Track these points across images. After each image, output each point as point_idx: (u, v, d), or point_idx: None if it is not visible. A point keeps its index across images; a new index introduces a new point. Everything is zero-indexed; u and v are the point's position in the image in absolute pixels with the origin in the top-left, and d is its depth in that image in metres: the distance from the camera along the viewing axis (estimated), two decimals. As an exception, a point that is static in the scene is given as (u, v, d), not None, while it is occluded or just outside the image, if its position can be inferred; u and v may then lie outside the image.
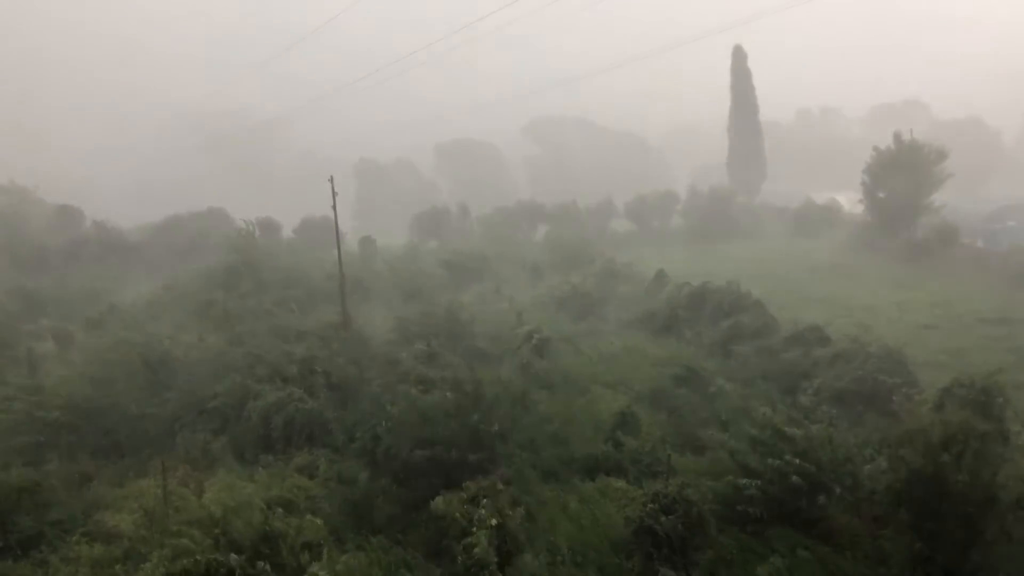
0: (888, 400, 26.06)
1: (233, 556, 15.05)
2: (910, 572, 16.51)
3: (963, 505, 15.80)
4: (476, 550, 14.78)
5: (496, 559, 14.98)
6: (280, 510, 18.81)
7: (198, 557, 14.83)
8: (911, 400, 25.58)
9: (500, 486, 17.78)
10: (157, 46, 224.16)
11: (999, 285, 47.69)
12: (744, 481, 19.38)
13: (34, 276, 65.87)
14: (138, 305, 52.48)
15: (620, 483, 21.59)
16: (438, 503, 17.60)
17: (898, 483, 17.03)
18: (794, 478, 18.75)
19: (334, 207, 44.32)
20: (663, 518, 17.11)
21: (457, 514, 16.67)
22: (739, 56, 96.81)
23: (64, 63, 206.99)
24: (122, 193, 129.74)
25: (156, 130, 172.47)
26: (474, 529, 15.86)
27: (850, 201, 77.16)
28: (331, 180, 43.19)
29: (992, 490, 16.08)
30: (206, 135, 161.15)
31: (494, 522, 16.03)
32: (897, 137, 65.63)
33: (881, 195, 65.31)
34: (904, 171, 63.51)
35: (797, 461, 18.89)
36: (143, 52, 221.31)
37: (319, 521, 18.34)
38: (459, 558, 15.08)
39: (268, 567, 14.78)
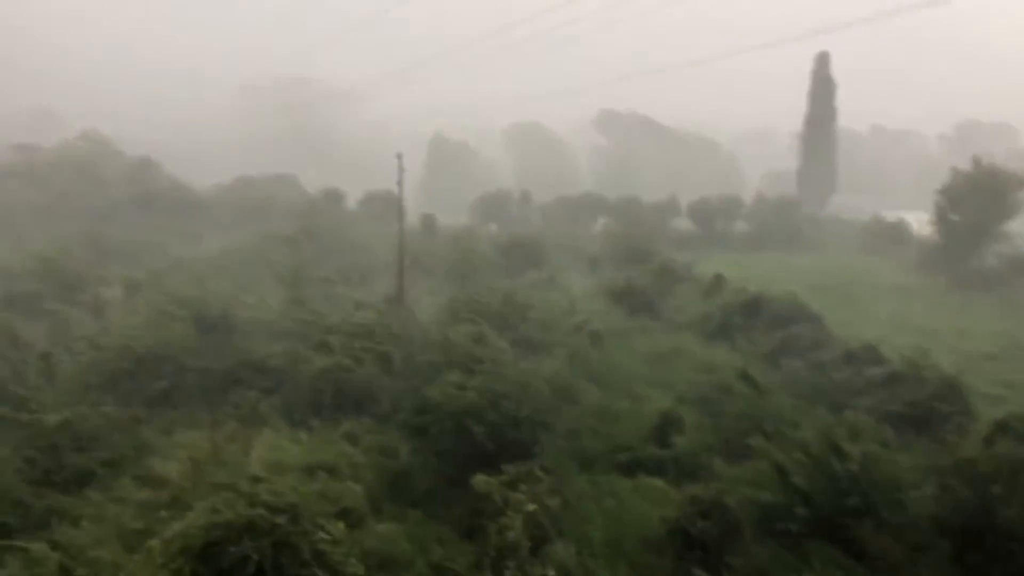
0: (940, 428, 25.52)
1: (273, 515, 15.44)
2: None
3: (1008, 540, 15.49)
4: (510, 533, 14.98)
5: (528, 544, 15.16)
6: (323, 474, 19.26)
7: (240, 511, 15.26)
8: (964, 430, 25.05)
9: (539, 473, 17.94)
10: (239, 10, 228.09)
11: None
12: (790, 496, 19.25)
13: (107, 225, 67.90)
14: (203, 261, 53.78)
15: (658, 482, 21.58)
16: (478, 481, 17.83)
17: (943, 512, 16.75)
18: (847, 498, 18.54)
19: (399, 182, 44.85)
20: (699, 521, 17.11)
21: (495, 496, 16.88)
22: (822, 63, 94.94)
23: (148, 26, 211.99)
24: (195, 153, 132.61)
25: (232, 94, 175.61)
26: (510, 512, 16.05)
27: (920, 221, 75.34)
28: (399, 156, 43.70)
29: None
30: (280, 102, 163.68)
31: (530, 507, 16.19)
32: (977, 160, 63.82)
33: (954, 218, 63.65)
34: (981, 195, 61.79)
35: (852, 478, 18.68)
36: (224, 16, 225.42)
37: (359, 489, 18.73)
38: (492, 539, 15.29)
39: (307, 528, 15.15)
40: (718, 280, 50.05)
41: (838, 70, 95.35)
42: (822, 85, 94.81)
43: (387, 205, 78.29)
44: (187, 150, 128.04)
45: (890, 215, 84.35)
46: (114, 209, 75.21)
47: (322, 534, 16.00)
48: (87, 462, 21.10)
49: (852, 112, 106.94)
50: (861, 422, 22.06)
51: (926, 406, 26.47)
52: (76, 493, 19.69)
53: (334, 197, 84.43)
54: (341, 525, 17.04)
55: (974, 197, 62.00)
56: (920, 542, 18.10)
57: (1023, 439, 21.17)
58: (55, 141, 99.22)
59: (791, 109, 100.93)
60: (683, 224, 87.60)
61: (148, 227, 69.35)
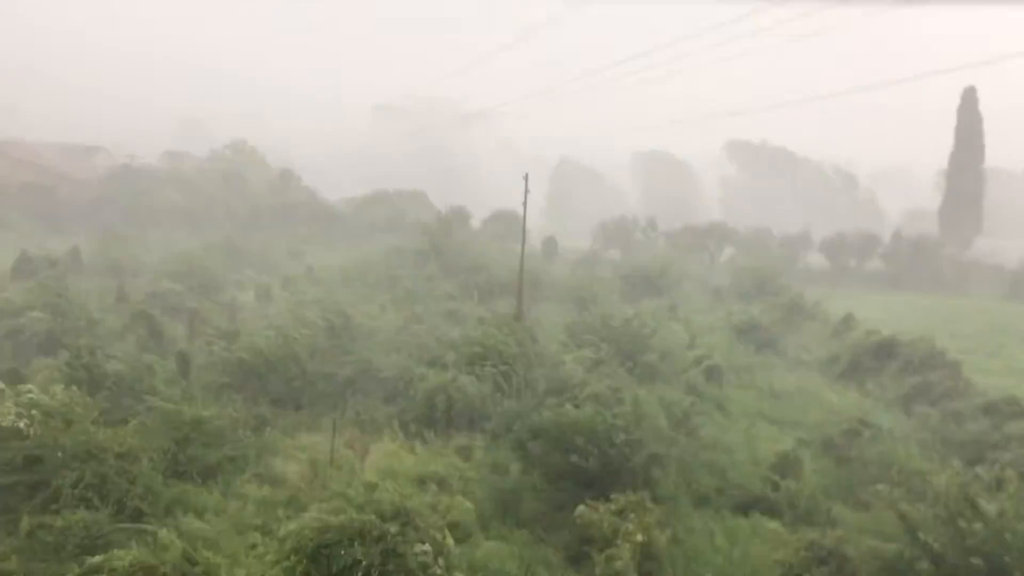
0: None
1: (384, 522, 15.72)
2: None
3: None
4: (618, 563, 14.75)
5: (636, 576, 14.93)
6: (434, 486, 19.49)
7: (354, 516, 15.60)
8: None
9: (649, 504, 17.60)
10: (378, 40, 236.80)
11: None
12: (914, 550, 18.16)
13: (247, 232, 71.41)
14: (332, 270, 55.74)
15: (774, 524, 20.81)
16: (582, 511, 17.63)
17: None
18: (975, 559, 17.34)
19: (525, 204, 45.26)
20: (815, 568, 16.37)
21: (603, 524, 16.66)
22: (970, 98, 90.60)
23: (295, 53, 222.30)
24: (332, 167, 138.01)
25: (369, 114, 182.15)
26: (618, 542, 15.80)
27: (1076, 268, 70.43)
28: (525, 177, 44.15)
29: None
30: (413, 122, 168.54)
31: (640, 538, 15.90)
32: None
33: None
34: None
35: (984, 537, 17.47)
36: (365, 41, 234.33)
37: (468, 504, 18.86)
38: (598, 568, 15.08)
39: (416, 538, 15.34)
40: (848, 319, 48.14)
41: (987, 106, 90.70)
42: (969, 121, 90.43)
43: (510, 225, 79.17)
44: (325, 165, 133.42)
45: (1042, 260, 79.21)
46: (255, 217, 79.04)
47: (430, 546, 16.18)
48: (214, 457, 21.98)
49: (1001, 150, 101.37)
50: (1000, 476, 20.61)
51: (1074, 467, 24.53)
52: (201, 486, 20.57)
53: (460, 215, 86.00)
54: (450, 538, 17.19)
55: None
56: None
57: None
58: (204, 150, 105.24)
59: (936, 146, 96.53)
60: (815, 259, 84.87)
61: (285, 235, 72.54)
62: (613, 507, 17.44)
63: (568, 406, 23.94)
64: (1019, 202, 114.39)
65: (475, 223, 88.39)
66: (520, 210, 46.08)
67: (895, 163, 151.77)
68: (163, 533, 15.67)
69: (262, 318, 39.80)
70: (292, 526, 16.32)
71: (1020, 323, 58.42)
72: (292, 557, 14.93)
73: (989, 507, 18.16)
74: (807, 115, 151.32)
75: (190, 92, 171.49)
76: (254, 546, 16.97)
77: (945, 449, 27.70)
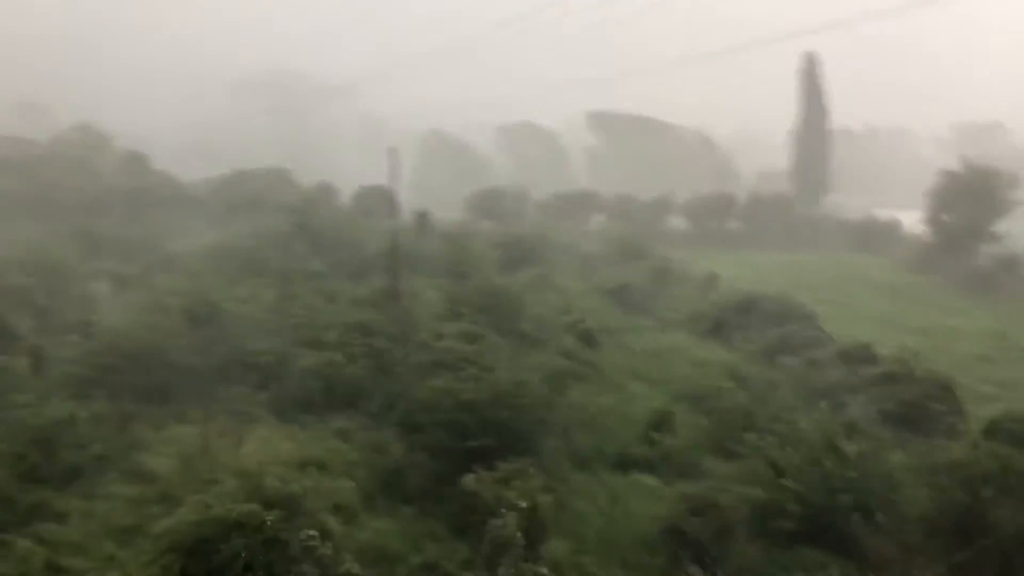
0: (933, 427, 25.53)
1: (263, 511, 15.32)
2: (937, 603, 16.24)
3: (998, 541, 15.46)
4: (504, 531, 14.89)
5: (523, 542, 15.08)
6: (315, 470, 19.13)
7: (231, 507, 15.13)
8: (956, 430, 25.08)
9: (532, 471, 17.84)
10: (227, 7, 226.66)
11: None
12: (783, 494, 19.24)
13: (97, 219, 67.51)
14: (194, 256, 53.49)
15: (652, 480, 21.54)
16: (469, 481, 17.72)
17: (935, 512, 16.71)
18: (842, 497, 18.54)
19: (394, 178, 44.73)
20: (692, 520, 17.03)
21: (488, 494, 16.79)
22: (811, 63, 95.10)
23: (136, 20, 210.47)
24: (186, 148, 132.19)
25: (223, 90, 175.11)
26: (503, 510, 15.96)
27: (913, 221, 75.55)
28: (392, 151, 43.57)
29: (1032, 529, 15.72)
30: (274, 97, 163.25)
31: (524, 505, 16.09)
32: (968, 161, 64.14)
33: (946, 218, 63.88)
34: (972, 196, 62.00)
35: (847, 478, 18.68)
36: (213, 12, 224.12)
37: (351, 485, 18.63)
38: (486, 537, 15.20)
39: (299, 525, 15.04)
40: (712, 278, 50.13)
41: (833, 70, 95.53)
42: (811, 85, 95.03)
43: (380, 201, 78.00)
44: (180, 146, 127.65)
45: (883, 214, 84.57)
46: (106, 203, 74.77)
47: (313, 531, 15.89)
48: (76, 457, 20.86)
49: (846, 112, 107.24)
50: (857, 421, 22.03)
51: (919, 405, 26.49)
52: (64, 489, 19.49)
53: (327, 192, 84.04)
54: (334, 521, 16.94)
55: (965, 198, 62.26)
56: (911, 542, 18.07)
57: (1015, 440, 21.23)
58: (46, 135, 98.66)
59: (788, 108, 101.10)
60: (677, 222, 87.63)
61: (140, 222, 68.95)
62: (497, 476, 17.58)
63: (448, 378, 23.96)
64: (862, 160, 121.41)
65: (343, 200, 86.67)
66: (390, 184, 45.47)
67: (752, 126, 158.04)
68: (22, 543, 14.75)
69: (121, 309, 37.85)
70: (166, 523, 15.70)
71: (867, 274, 62.42)
72: (168, 555, 14.37)
73: (850, 448, 19.40)
74: (670, 81, 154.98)
75: (26, 74, 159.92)
76: (126, 547, 16.24)
77: (807, 396, 29.34)
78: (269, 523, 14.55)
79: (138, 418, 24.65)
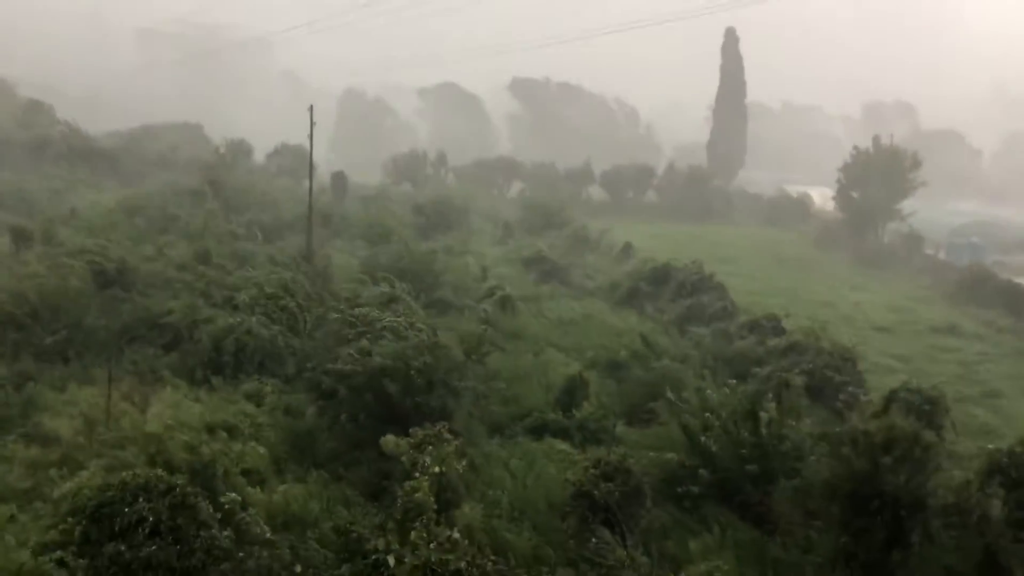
0: (834, 397, 26.54)
1: (171, 475, 14.97)
2: (833, 564, 16.97)
3: (893, 507, 16.22)
4: (417, 495, 14.90)
5: (435, 506, 15.13)
6: (224, 434, 18.77)
7: (136, 471, 14.73)
8: (857, 399, 26.11)
9: (446, 435, 17.86)
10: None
11: (955, 297, 48.63)
12: (693, 459, 19.81)
13: (-5, 169, 64.16)
14: (101, 211, 51.40)
15: (565, 446, 21.83)
16: (387, 441, 17.63)
17: (835, 479, 17.41)
18: (749, 463, 19.19)
19: (311, 137, 43.69)
20: (602, 484, 17.34)
21: (403, 457, 16.76)
22: (731, 38, 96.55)
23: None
24: (95, 99, 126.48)
25: (135, 39, 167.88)
26: (417, 474, 15.96)
27: (823, 197, 77.94)
28: (310, 109, 42.52)
29: (922, 495, 16.52)
30: (186, 49, 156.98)
31: (437, 469, 16.12)
32: (876, 140, 66.30)
33: (854, 195, 66.03)
34: (879, 174, 64.21)
35: (756, 444, 19.34)
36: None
37: (262, 449, 18.36)
38: (399, 501, 15.21)
39: (206, 489, 14.75)
40: (627, 248, 50.84)
41: (752, 47, 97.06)
42: (731, 60, 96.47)
43: (297, 159, 76.35)
44: (85, 96, 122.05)
45: (795, 190, 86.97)
46: (4, 154, 71.06)
47: (229, 495, 15.62)
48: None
49: (762, 89, 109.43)
50: (764, 390, 22.74)
51: (822, 376, 27.45)
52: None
53: (242, 150, 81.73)
54: (243, 485, 16.68)
55: (873, 176, 64.39)
56: (812, 507, 18.83)
57: (911, 409, 22.26)
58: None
59: (709, 82, 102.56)
60: (597, 192, 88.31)
61: (41, 175, 65.74)
62: (411, 440, 17.55)
63: (364, 342, 23.74)
64: (776, 137, 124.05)
65: (258, 158, 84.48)
66: (306, 144, 44.48)
67: (673, 98, 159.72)
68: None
69: (21, 265, 36.15)
70: (68, 486, 15.22)
71: (776, 247, 64.25)
72: (69, 519, 13.91)
73: (762, 416, 20.07)
74: (590, 52, 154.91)
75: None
76: (24, 511, 15.69)
77: (717, 365, 30.14)
78: (177, 488, 14.22)
79: (38, 379, 23.70)
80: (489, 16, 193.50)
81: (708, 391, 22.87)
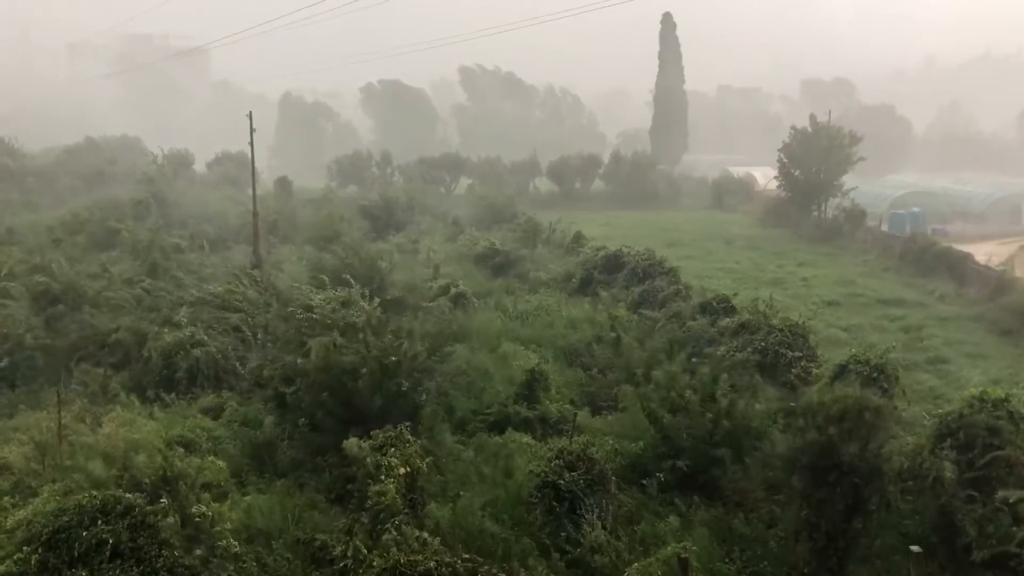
0: (787, 371, 26.97)
1: (129, 495, 14.69)
2: (796, 535, 17.28)
3: (851, 476, 16.54)
4: (382, 497, 14.83)
5: (404, 507, 15.08)
6: (181, 450, 18.43)
7: (93, 493, 14.41)
8: (809, 373, 26.57)
9: (409, 436, 17.78)
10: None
11: (899, 267, 49.81)
12: (655, 445, 20.05)
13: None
14: (39, 231, 50.13)
15: (528, 439, 21.88)
16: (350, 445, 17.47)
17: (792, 453, 17.71)
18: (711, 445, 19.54)
19: (251, 144, 43.18)
20: (567, 474, 17.43)
21: (367, 460, 16.64)
22: (668, 24, 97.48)
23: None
24: (25, 116, 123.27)
25: (64, 54, 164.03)
26: (382, 477, 15.88)
27: (766, 176, 79.16)
28: (249, 115, 42.00)
29: (877, 463, 16.88)
30: (118, 62, 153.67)
31: (403, 471, 16.06)
32: (813, 118, 67.51)
33: (796, 173, 67.14)
34: (819, 152, 65.40)
35: (722, 427, 19.68)
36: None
37: (221, 463, 18.07)
38: (368, 503, 15.12)
39: (166, 506, 14.50)
40: (578, 238, 51.09)
41: (691, 29, 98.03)
42: (669, 45, 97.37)
43: (238, 167, 75.43)
44: (13, 113, 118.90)
45: (738, 171, 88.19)
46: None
47: (194, 508, 15.38)
48: (-86, 453, 19.36)
49: (702, 72, 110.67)
50: (720, 369, 23.01)
51: (775, 352, 27.83)
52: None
53: (182, 161, 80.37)
54: (205, 501, 16.40)
55: (813, 153, 65.58)
56: (773, 481, 19.16)
57: (861, 380, 22.72)
58: None
59: (648, 68, 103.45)
60: (544, 184, 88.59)
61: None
62: (373, 443, 17.45)
63: (317, 347, 23.50)
64: (719, 119, 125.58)
65: (198, 168, 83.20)
66: (247, 151, 43.89)
67: (616, 86, 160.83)
68: None
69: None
70: (21, 514, 14.82)
71: (723, 228, 65.15)
72: (25, 548, 13.56)
73: (722, 399, 20.37)
74: (533, 42, 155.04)
75: None
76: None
77: (672, 348, 30.42)
78: (136, 508, 13.95)
79: (-16, 407, 23.08)
80: (428, 10, 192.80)
81: (660, 375, 23.08)
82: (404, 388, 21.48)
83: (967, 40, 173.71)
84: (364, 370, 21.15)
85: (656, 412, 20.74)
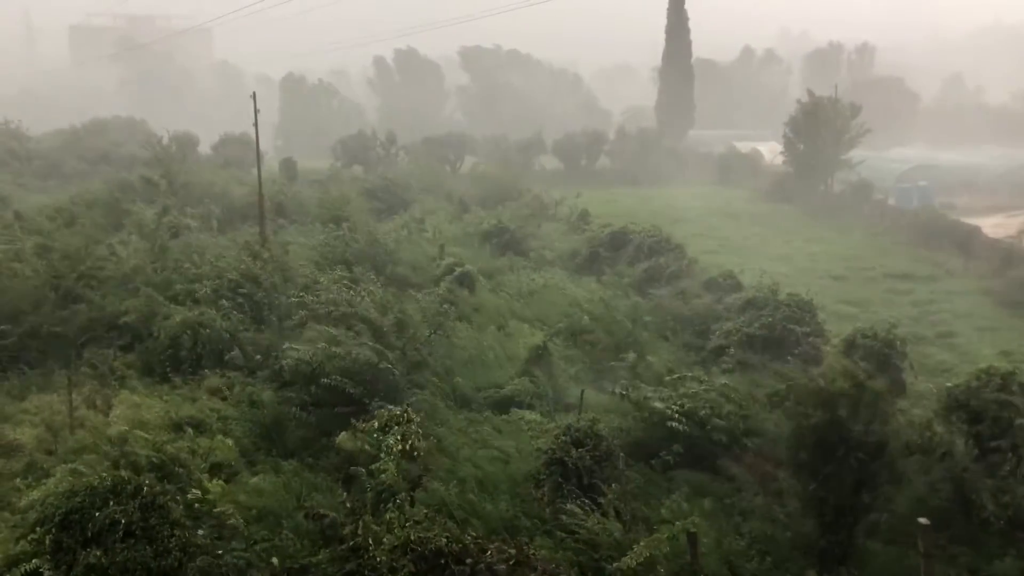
0: (795, 347, 26.97)
1: (140, 476, 14.84)
2: (803, 509, 17.36)
3: (858, 450, 16.58)
4: (383, 476, 14.92)
5: (407, 486, 15.17)
6: (190, 430, 18.58)
7: (104, 474, 14.56)
8: (817, 348, 26.59)
9: (412, 415, 17.85)
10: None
11: (907, 241, 49.63)
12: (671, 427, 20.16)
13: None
14: (46, 213, 50.21)
15: (534, 416, 21.97)
16: (343, 439, 17.54)
17: (800, 429, 17.73)
18: (717, 422, 19.63)
19: (255, 125, 43.11)
20: (573, 451, 17.51)
21: (366, 445, 16.70)
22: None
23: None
24: (28, 99, 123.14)
25: (67, 37, 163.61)
26: (383, 456, 15.97)
27: (772, 151, 78.62)
28: (253, 96, 41.93)
29: (884, 436, 16.92)
30: (120, 43, 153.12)
31: (403, 449, 16.12)
32: (810, 92, 67.13)
33: (801, 147, 66.70)
34: (823, 125, 64.91)
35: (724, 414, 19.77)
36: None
37: (230, 442, 18.20)
38: (368, 485, 15.23)
39: (176, 487, 14.65)
40: (584, 215, 51.01)
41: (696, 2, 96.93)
42: (677, 19, 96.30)
43: (243, 149, 75.29)
44: (19, 97, 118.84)
45: (744, 146, 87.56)
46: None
47: (194, 491, 15.54)
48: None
49: (709, 44, 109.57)
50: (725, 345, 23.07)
51: (782, 328, 27.83)
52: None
53: (188, 142, 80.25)
54: (214, 481, 16.57)
55: (817, 127, 65.10)
56: (780, 458, 19.23)
57: (868, 354, 22.76)
58: None
59: (654, 44, 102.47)
60: (550, 161, 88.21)
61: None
62: (375, 423, 17.54)
63: (324, 327, 23.64)
64: (728, 93, 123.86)
65: (204, 149, 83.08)
66: (251, 133, 43.82)
67: (622, 62, 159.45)
68: None
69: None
70: (34, 495, 15.00)
71: (729, 204, 64.86)
72: (39, 529, 13.73)
73: (732, 391, 20.43)
74: (532, 19, 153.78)
75: None
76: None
77: (677, 324, 30.48)
78: (146, 488, 14.09)
79: (-4, 389, 23.26)
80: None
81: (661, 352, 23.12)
82: (403, 369, 21.57)
83: (976, 6, 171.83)
84: (361, 353, 21.26)
85: (657, 411, 20.63)
